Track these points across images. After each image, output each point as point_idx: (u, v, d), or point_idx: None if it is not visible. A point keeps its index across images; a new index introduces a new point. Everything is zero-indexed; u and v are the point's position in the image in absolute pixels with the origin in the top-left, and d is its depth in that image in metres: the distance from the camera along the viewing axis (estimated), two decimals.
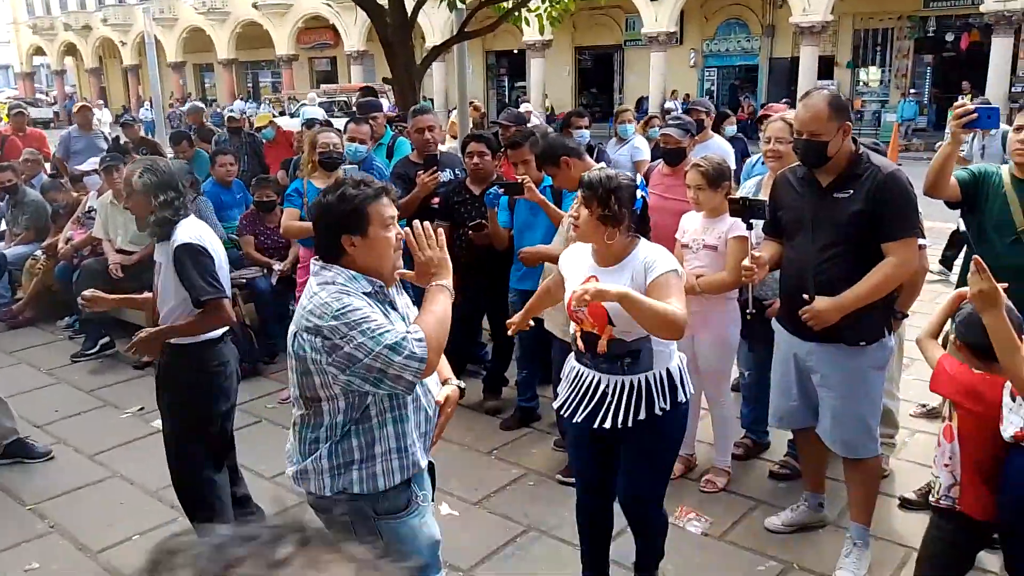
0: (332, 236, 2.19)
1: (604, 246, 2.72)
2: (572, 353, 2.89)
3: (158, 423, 4.87)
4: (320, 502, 2.27)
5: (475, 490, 3.93)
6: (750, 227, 3.26)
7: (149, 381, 5.63)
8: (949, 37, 21.86)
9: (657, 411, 2.70)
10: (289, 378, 2.26)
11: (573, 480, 4.00)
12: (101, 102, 29.47)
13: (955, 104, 3.16)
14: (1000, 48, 18.92)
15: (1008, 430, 2.27)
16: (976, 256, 2.25)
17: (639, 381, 2.70)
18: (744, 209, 3.21)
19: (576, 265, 2.85)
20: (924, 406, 4.63)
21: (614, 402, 2.72)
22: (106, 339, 6.00)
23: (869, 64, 23.39)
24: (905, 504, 3.69)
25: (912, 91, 21.76)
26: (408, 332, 2.14)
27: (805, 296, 3.08)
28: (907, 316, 3.79)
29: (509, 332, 3.15)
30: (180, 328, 3.14)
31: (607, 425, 2.71)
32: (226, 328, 3.25)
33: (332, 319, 2.09)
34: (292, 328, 2.20)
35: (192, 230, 3.12)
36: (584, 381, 2.80)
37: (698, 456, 4.14)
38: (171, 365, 3.25)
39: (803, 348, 3.21)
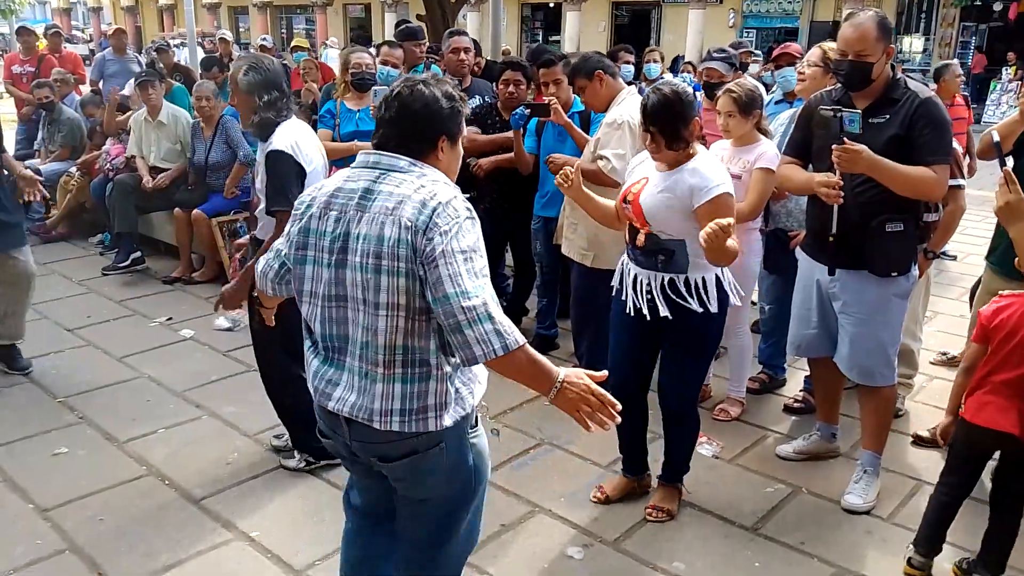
0: (433, 132, 1.90)
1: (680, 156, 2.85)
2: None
3: (186, 331, 4.99)
4: (430, 438, 1.93)
5: (490, 407, 3.97)
6: (842, 141, 2.87)
7: (178, 295, 5.79)
8: (997, 6, 21.18)
9: (689, 310, 2.87)
10: (383, 289, 1.80)
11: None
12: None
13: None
14: None
15: None
16: (1006, 168, 2.22)
17: (671, 280, 2.88)
18: (836, 119, 2.89)
19: (635, 170, 3.05)
20: (945, 354, 4.62)
21: (648, 295, 2.92)
22: (137, 254, 6.10)
23: (912, 32, 22.77)
24: (918, 441, 3.71)
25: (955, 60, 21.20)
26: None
27: (831, 236, 3.07)
28: (937, 256, 3.76)
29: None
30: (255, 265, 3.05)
31: (645, 313, 2.91)
32: None
33: (455, 224, 1.78)
34: (403, 222, 1.77)
35: (289, 136, 3.03)
36: (629, 272, 3.01)
37: (713, 388, 4.16)
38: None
39: (827, 274, 3.20)
